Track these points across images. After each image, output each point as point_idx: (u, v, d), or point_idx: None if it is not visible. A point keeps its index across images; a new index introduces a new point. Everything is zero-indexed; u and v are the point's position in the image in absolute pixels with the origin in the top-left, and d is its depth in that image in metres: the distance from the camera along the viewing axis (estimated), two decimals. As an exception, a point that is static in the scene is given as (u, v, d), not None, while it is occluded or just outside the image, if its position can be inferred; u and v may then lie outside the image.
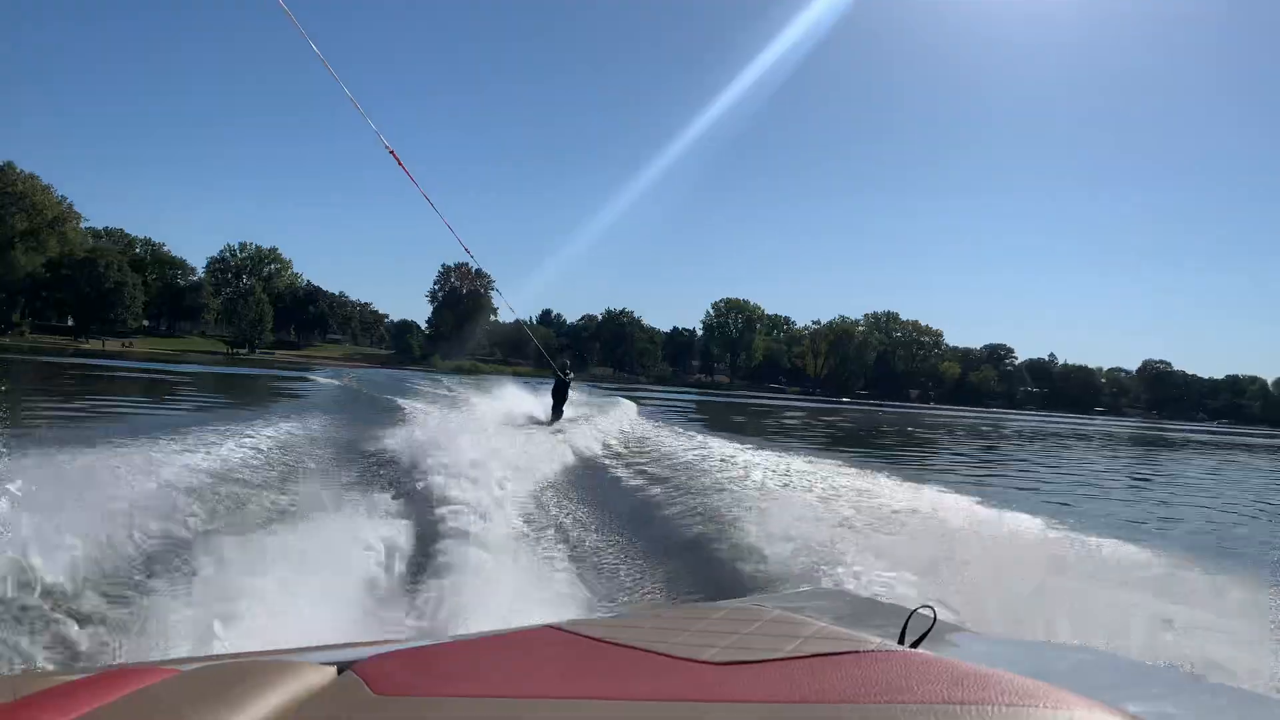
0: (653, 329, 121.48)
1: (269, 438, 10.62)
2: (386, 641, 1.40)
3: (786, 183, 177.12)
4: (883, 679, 0.87)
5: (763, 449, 13.06)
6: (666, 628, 1.16)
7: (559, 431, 14.38)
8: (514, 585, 4.93)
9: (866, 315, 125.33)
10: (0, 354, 43.92)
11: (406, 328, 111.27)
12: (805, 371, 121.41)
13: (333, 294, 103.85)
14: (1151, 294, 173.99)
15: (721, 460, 10.80)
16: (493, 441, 10.82)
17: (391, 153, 8.53)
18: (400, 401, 19.77)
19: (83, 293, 68.97)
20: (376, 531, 5.63)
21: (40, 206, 69.53)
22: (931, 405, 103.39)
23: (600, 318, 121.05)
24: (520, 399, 19.96)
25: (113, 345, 69.58)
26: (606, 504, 8.65)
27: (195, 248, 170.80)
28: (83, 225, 76.51)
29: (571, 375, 18.38)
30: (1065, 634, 4.07)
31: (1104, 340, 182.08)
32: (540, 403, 18.44)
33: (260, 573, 4.18)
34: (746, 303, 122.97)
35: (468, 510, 6.66)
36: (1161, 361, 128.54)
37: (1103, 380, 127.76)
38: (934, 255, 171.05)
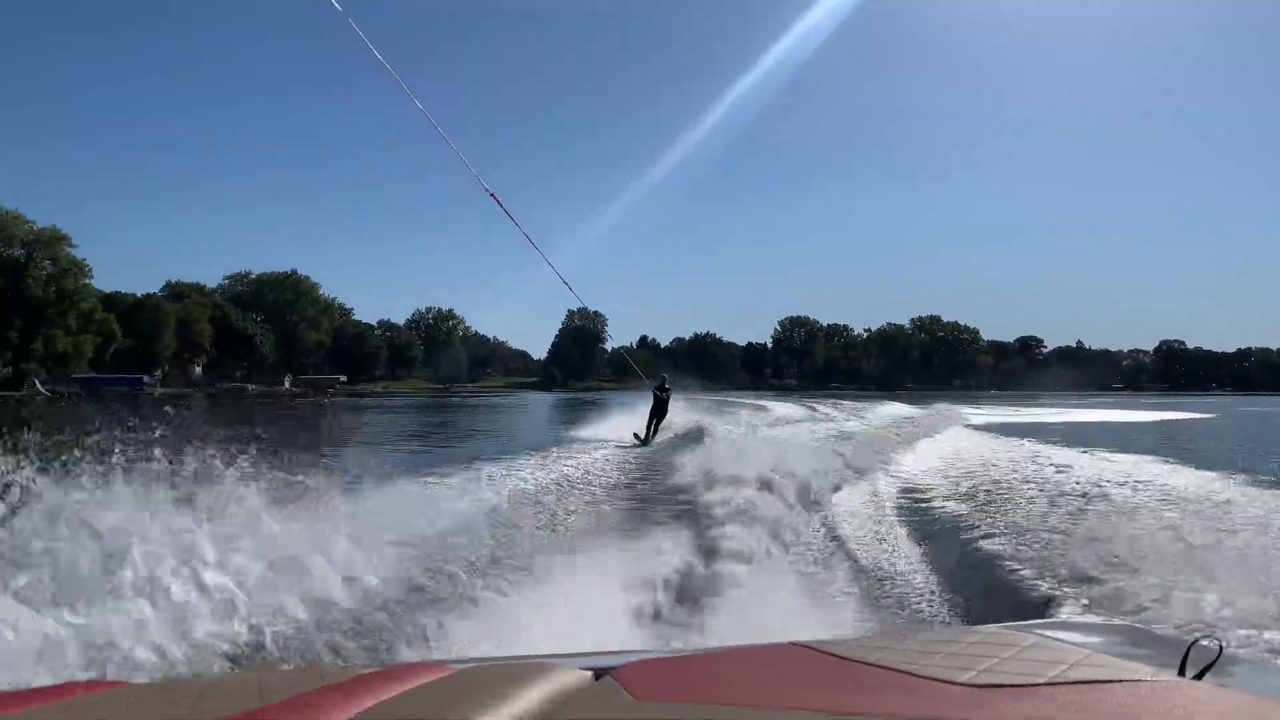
0: (731, 344, 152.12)
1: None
2: (636, 651, 1.46)
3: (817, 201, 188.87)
4: (1162, 710, 0.80)
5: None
6: (914, 650, 1.16)
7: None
8: (785, 603, 5.16)
9: (912, 319, 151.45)
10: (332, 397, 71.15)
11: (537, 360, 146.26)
12: (860, 372, 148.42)
13: (488, 339, 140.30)
14: (1162, 275, 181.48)
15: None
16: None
17: (493, 196, 8.69)
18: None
19: (354, 357, 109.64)
20: (656, 552, 6.02)
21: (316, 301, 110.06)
22: (972, 392, 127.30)
23: (688, 339, 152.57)
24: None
25: (374, 387, 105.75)
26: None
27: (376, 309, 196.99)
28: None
29: (669, 391, 18.05)
30: None
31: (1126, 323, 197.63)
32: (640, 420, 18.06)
33: (544, 585, 4.88)
34: (807, 318, 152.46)
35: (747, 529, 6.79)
36: (1177, 340, 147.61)
37: (1124, 362, 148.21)
38: (970, 257, 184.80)
